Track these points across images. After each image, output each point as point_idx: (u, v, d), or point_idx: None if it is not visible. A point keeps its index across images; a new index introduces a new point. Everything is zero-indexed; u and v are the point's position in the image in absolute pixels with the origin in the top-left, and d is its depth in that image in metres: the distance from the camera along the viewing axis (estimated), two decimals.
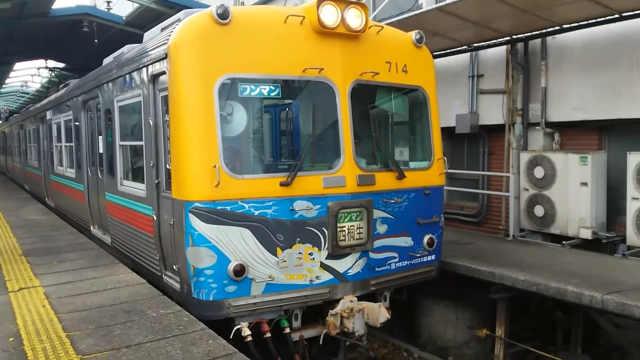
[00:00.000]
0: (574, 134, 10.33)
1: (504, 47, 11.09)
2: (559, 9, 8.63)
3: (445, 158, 7.68)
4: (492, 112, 11.62)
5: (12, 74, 41.63)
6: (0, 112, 45.20)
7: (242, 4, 20.06)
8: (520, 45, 10.77)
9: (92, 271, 7.71)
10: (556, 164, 9.94)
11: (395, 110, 7.56)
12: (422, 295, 9.39)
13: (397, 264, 7.29)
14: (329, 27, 6.53)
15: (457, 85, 12.18)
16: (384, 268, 7.14)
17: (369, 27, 6.91)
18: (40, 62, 37.66)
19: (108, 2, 25.05)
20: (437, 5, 9.35)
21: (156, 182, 6.97)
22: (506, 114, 11.18)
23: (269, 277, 6.31)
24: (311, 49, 6.57)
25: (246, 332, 6.24)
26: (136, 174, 8.04)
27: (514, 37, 10.56)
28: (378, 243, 7.00)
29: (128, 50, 9.73)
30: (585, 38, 9.69)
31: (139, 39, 10.25)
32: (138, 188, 7.71)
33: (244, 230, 6.16)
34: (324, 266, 6.62)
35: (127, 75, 7.91)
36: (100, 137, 9.76)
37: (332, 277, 6.68)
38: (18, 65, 38.35)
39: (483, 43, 11.24)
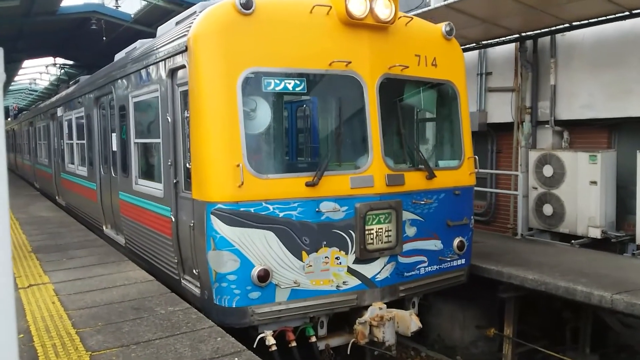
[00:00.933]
0: (583, 132, 10.20)
1: (512, 45, 10.93)
2: (569, 6, 8.49)
3: (476, 157, 7.30)
4: (501, 110, 11.47)
5: (20, 71, 41.78)
6: (9, 109, 45.15)
7: None
8: (529, 42, 10.64)
9: (101, 268, 7.68)
10: (565, 163, 9.80)
11: (424, 106, 7.19)
12: (429, 294, 9.16)
13: (426, 269, 6.93)
14: (357, 17, 6.17)
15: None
16: (412, 273, 6.78)
17: (398, 18, 6.54)
18: (49, 60, 37.79)
19: (116, 0, 24.70)
20: (446, 2, 9.11)
21: (174, 181, 6.63)
22: (515, 112, 11.01)
23: (294, 282, 5.97)
24: (338, 41, 6.21)
25: (270, 340, 5.90)
26: (152, 173, 7.71)
27: (523, 34, 10.41)
28: (407, 246, 6.64)
29: (141, 45, 9.41)
30: (594, 35, 9.57)
31: (147, 37, 10.05)
32: (154, 187, 7.38)
33: (268, 233, 5.81)
34: (351, 271, 6.27)
35: (143, 70, 7.57)
36: (113, 135, 9.44)
37: (359, 282, 6.33)
38: (26, 63, 38.58)
39: (492, 40, 11.10)
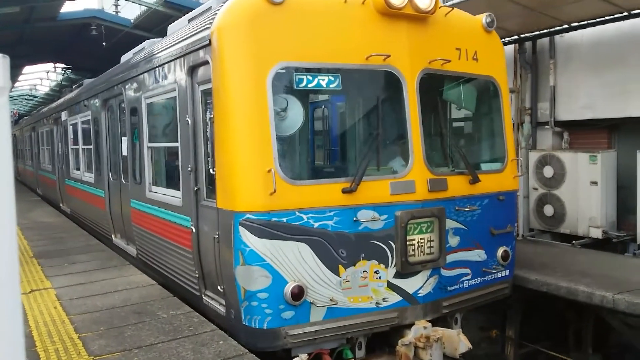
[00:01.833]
0: (583, 132, 10.15)
1: (511, 46, 10.79)
2: (568, 7, 8.46)
3: (521, 159, 6.72)
4: None
5: (20, 77, 41.56)
6: (10, 115, 44.70)
7: None
8: (528, 44, 10.71)
9: (103, 273, 7.70)
10: (565, 163, 9.77)
11: (464, 104, 6.60)
12: None
13: (469, 282, 6.34)
14: (396, 7, 5.61)
15: None
16: (456, 287, 6.19)
17: (439, 8, 5.97)
18: (49, 66, 37.61)
19: (116, 6, 24.96)
20: (446, 4, 8.67)
21: (195, 188, 6.06)
22: (515, 113, 10.79)
23: (331, 300, 5.38)
24: (374, 33, 5.65)
25: None
26: (169, 180, 7.14)
27: (522, 35, 10.39)
28: (449, 258, 6.05)
29: (149, 45, 8.89)
30: (593, 36, 9.55)
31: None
32: (172, 195, 6.80)
33: (302, 246, 5.23)
34: (391, 286, 5.69)
35: (158, 69, 7.00)
36: (124, 139, 8.86)
37: (400, 298, 5.74)
38: (27, 69, 38.47)
39: None
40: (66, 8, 22.96)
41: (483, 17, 6.58)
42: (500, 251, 6.59)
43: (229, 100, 5.20)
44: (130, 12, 25.06)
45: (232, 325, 5.47)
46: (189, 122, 6.04)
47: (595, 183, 9.36)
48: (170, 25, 8.37)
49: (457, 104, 6.73)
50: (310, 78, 5.40)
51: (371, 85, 6.00)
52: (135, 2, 23.26)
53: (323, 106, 6.03)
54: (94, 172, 11.01)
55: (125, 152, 8.80)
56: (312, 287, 5.29)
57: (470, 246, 6.30)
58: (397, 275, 5.70)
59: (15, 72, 37.15)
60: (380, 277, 5.63)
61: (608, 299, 6.56)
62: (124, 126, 8.78)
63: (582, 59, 9.75)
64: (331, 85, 5.51)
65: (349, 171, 5.59)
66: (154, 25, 22.04)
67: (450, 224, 6.02)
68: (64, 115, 14.29)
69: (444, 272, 6.03)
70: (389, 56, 5.60)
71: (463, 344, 5.79)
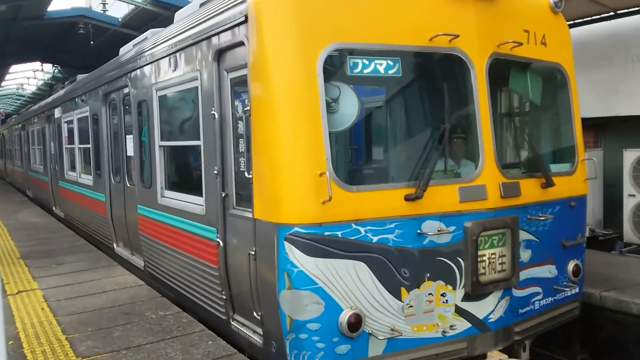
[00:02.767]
0: None
1: None
2: None
3: (594, 159, 5.85)
4: None
5: (8, 76, 40.71)
6: None
7: None
8: None
9: (91, 273, 7.64)
10: None
11: (531, 94, 5.71)
12: None
13: (540, 302, 5.46)
14: None
15: None
16: (527, 309, 5.31)
17: None
18: (37, 65, 36.87)
19: (104, 4, 24.84)
20: None
21: (222, 194, 5.11)
22: None
23: (392, 329, 4.47)
24: (438, 10, 4.76)
25: None
26: (187, 184, 6.19)
27: None
28: (521, 275, 5.16)
29: (152, 34, 7.95)
30: (580, 36, 9.44)
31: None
32: (191, 202, 5.85)
33: (359, 265, 4.32)
34: (459, 311, 4.79)
35: (174, 56, 6.03)
36: (129, 137, 7.88)
37: (469, 325, 4.84)
38: (14, 68, 37.91)
39: None
40: (53, 6, 23.00)
41: None
42: (571, 265, 5.72)
43: (272, 89, 4.27)
44: (118, 11, 24.97)
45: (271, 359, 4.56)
46: (215, 116, 5.09)
47: None
48: (177, 12, 7.42)
49: (523, 95, 5.81)
50: (367, 62, 4.48)
51: (434, 71, 5.10)
52: (123, 1, 23.14)
53: (380, 96, 5.08)
54: (93, 173, 9.98)
55: (130, 152, 7.82)
56: (371, 314, 4.39)
57: (543, 261, 5.42)
58: (466, 297, 4.80)
59: (1, 71, 36.53)
60: (447, 300, 4.73)
61: (595, 296, 6.66)
62: (130, 122, 7.79)
63: None
64: (390, 71, 4.59)
65: (411, 174, 4.67)
66: (142, 23, 21.70)
67: (522, 235, 5.12)
68: (57, 112, 13.20)
69: (516, 292, 5.13)
70: (457, 36, 4.70)
71: None
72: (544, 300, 5.48)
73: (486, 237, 4.81)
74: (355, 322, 4.28)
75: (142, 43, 7.97)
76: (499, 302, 4.96)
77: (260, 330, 4.72)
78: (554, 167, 5.75)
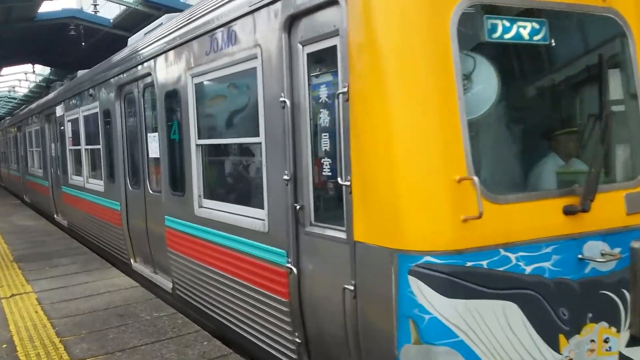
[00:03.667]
0: None
1: None
2: None
3: None
4: None
5: None
6: None
7: None
8: None
9: (85, 276, 7.64)
10: None
11: None
12: None
13: None
14: None
15: None
16: None
17: None
18: (28, 67, 36.36)
19: (95, 5, 25.16)
20: None
21: (295, 206, 3.87)
22: None
23: None
24: None
25: None
26: (239, 192, 4.95)
27: None
28: None
29: (167, 19, 6.75)
30: None
31: (125, 43, 8.50)
32: (247, 215, 4.60)
33: (509, 307, 3.11)
34: None
35: (220, 31, 4.74)
36: (152, 135, 6.61)
37: None
38: (5, 70, 37.60)
39: None
40: (44, 8, 22.88)
41: None
42: None
43: (386, 62, 3.05)
44: (110, 12, 25.25)
45: None
46: (286, 104, 3.84)
47: None
48: None
49: None
50: (507, 25, 3.25)
51: (583, 38, 3.89)
52: (114, 2, 23.25)
53: (520, 70, 3.83)
54: (104, 178, 8.71)
55: (154, 153, 6.55)
56: None
57: None
58: (632, 342, 3.58)
59: None
60: (610, 347, 3.51)
61: None
62: (153, 118, 6.51)
63: None
64: (535, 37, 3.36)
65: (569, 177, 3.46)
66: (134, 24, 21.66)
67: None
68: (59, 110, 11.85)
69: None
70: None
71: None
72: None
73: None
74: None
75: (169, 22, 6.68)
76: None
77: None
78: None
